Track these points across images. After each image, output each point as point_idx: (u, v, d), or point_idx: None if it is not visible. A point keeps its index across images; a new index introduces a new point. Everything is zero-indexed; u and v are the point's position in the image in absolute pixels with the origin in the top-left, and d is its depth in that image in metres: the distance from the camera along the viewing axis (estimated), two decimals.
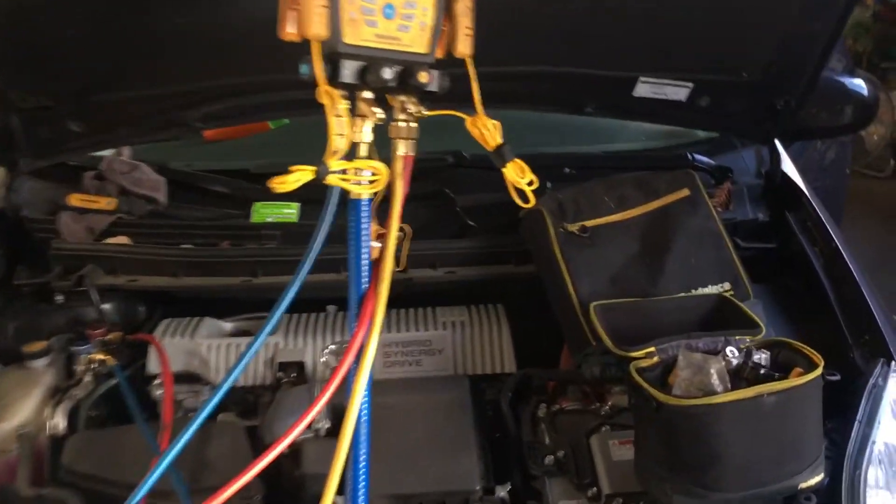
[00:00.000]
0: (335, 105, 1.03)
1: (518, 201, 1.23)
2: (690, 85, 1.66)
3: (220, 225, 1.76)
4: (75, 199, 1.76)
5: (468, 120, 1.21)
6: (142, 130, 1.72)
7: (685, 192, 1.62)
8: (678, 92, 1.68)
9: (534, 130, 2.03)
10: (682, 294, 1.47)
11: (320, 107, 1.03)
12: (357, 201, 1.08)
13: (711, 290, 1.52)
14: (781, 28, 1.50)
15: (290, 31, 1.07)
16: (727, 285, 1.53)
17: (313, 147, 1.07)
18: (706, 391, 1.15)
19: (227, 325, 1.68)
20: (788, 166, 1.84)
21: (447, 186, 1.80)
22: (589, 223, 1.57)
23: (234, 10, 1.41)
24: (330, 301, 1.67)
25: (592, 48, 1.59)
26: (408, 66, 1.09)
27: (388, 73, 1.05)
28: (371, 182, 1.05)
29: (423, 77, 1.08)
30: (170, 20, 1.43)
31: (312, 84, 1.04)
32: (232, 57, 1.54)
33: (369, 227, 1.11)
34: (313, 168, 0.97)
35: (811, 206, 1.73)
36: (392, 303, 1.12)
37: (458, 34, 1.14)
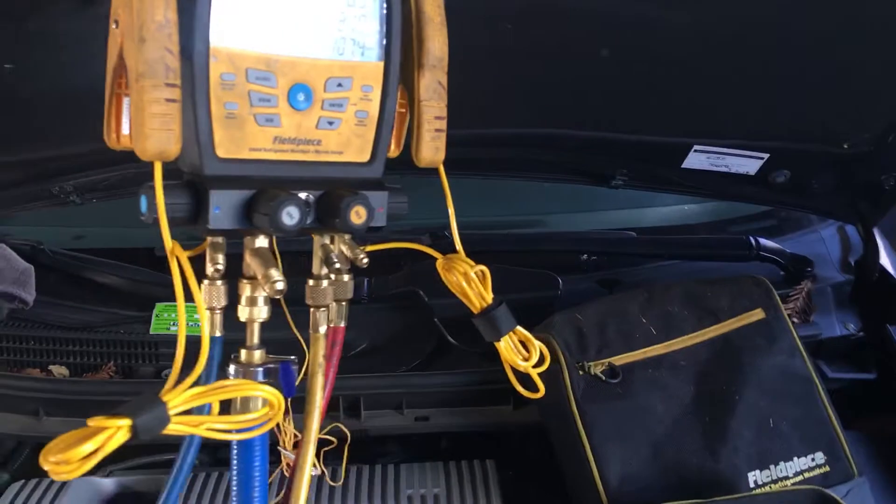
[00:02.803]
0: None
1: (520, 389, 0.80)
2: (765, 156, 1.22)
3: (103, 339, 1.31)
4: None
5: (441, 262, 0.79)
6: None
7: (758, 315, 1.19)
8: (746, 164, 1.25)
9: (527, 194, 1.60)
10: (761, 488, 1.05)
11: None
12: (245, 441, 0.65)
13: (798, 464, 1.10)
14: None
15: (125, 133, 0.65)
16: (820, 457, 1.11)
17: None
18: None
19: (108, 484, 1.25)
20: (887, 258, 1.41)
21: (420, 284, 1.35)
22: (619, 360, 1.14)
23: (83, 55, 0.98)
24: None
25: (630, 107, 1.16)
26: (330, 193, 0.65)
27: (292, 214, 0.61)
28: (259, 420, 0.61)
29: (356, 215, 0.64)
30: None
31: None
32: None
33: (265, 472, 0.67)
34: (126, 419, 0.53)
35: None
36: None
37: (421, 130, 0.70)
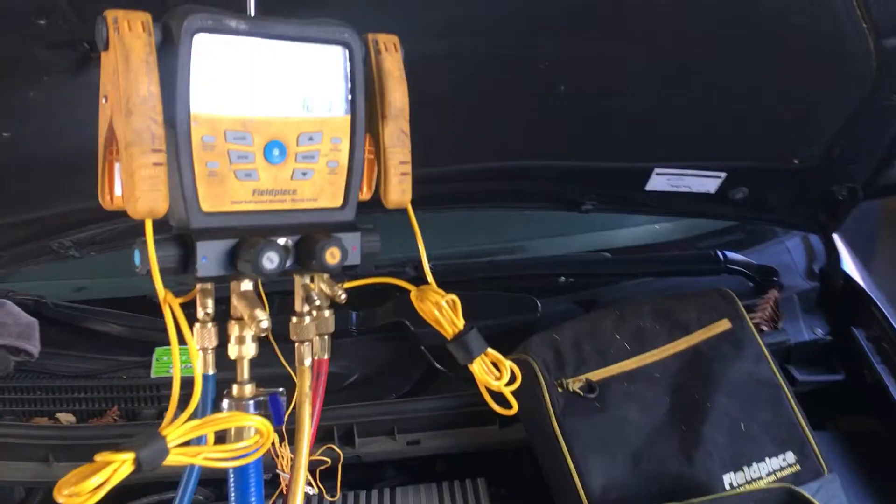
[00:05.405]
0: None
1: (495, 407, 0.86)
2: (722, 175, 1.29)
3: (107, 385, 1.37)
4: None
5: (414, 293, 0.84)
6: None
7: (724, 325, 1.25)
8: (705, 184, 1.32)
9: (507, 221, 1.67)
10: (736, 490, 1.10)
11: None
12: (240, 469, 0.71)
13: (770, 465, 1.15)
14: (854, 104, 1.13)
15: (117, 195, 0.71)
16: (791, 457, 1.16)
17: None
18: None
19: None
20: (850, 263, 1.47)
21: (406, 315, 1.41)
22: (596, 376, 1.20)
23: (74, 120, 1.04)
24: None
25: (590, 138, 1.23)
26: (306, 237, 0.71)
27: (272, 259, 0.67)
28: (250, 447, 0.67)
29: (331, 256, 0.70)
30: None
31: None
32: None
33: (261, 497, 0.73)
34: (130, 453, 0.58)
35: (885, 321, 1.36)
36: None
37: (388, 174, 0.77)
